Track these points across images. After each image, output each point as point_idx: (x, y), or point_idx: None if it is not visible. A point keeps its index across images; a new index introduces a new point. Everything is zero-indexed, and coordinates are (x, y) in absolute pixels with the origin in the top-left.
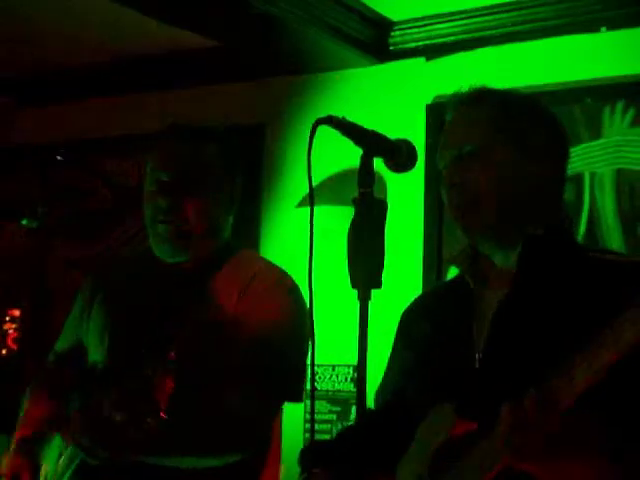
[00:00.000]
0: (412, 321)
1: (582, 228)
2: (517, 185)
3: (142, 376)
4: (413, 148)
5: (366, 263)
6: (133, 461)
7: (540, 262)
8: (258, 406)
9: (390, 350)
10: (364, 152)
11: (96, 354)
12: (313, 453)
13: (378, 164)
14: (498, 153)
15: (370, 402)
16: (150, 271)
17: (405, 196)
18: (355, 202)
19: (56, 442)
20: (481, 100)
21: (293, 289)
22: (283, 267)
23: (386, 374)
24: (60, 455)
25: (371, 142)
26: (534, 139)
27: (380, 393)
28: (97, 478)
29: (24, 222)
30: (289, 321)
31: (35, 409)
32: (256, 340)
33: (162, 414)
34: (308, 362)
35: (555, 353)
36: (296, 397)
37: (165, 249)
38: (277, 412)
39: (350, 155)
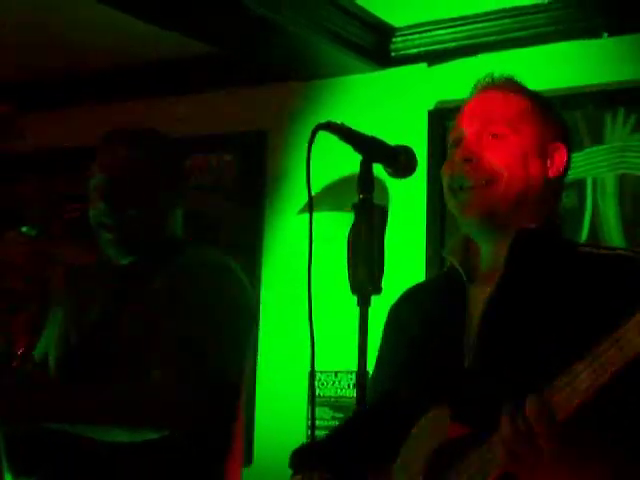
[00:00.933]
0: (401, 317)
1: (584, 233)
2: (528, 177)
3: None
4: (413, 155)
5: (366, 268)
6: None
7: (529, 257)
8: (175, 384)
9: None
10: (363, 158)
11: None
12: (304, 454)
13: (380, 170)
14: (522, 141)
15: None
16: (103, 272)
17: (407, 202)
18: (355, 208)
19: None
20: (515, 88)
21: (226, 270)
22: (285, 273)
23: (375, 371)
24: None
25: (370, 148)
26: (550, 138)
27: (370, 390)
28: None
29: (24, 230)
30: (221, 303)
31: None
32: (188, 321)
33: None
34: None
35: (546, 352)
36: (219, 379)
37: (112, 254)
38: (207, 396)
39: (351, 161)
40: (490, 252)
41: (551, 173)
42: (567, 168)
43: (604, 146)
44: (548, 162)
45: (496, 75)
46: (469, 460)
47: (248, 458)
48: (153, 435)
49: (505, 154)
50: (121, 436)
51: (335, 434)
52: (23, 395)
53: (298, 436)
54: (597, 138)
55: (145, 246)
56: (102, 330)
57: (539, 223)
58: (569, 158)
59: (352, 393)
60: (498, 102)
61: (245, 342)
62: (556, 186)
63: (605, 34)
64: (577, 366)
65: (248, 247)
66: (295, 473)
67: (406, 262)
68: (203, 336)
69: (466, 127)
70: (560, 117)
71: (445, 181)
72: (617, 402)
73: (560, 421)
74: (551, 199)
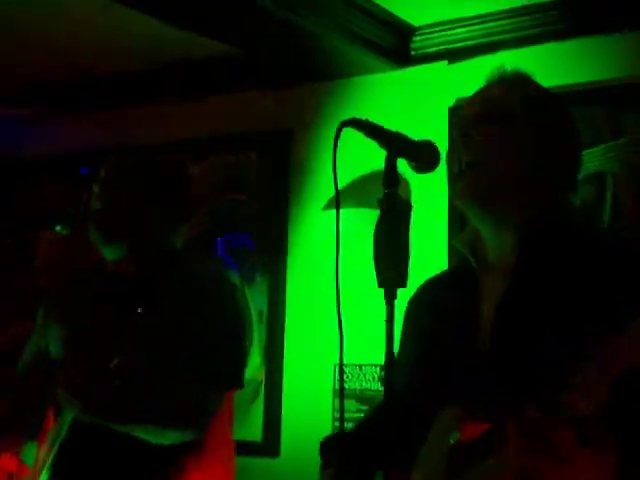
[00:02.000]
0: (416, 311)
1: (605, 224)
2: (528, 167)
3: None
4: (436, 149)
5: (392, 263)
6: (108, 430)
7: (539, 247)
8: (198, 392)
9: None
10: (388, 153)
11: (59, 354)
12: (333, 445)
13: (402, 167)
14: (518, 130)
15: None
16: (98, 278)
17: (430, 197)
18: (380, 203)
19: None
20: (520, 81)
21: (232, 289)
22: (310, 269)
23: (396, 363)
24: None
25: (394, 143)
26: (549, 130)
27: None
28: (80, 447)
29: (57, 228)
30: (224, 320)
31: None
32: (195, 337)
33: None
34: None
35: (561, 347)
36: (233, 384)
37: (97, 242)
38: (218, 399)
39: (375, 158)
40: (494, 241)
41: (548, 164)
42: (570, 160)
43: (623, 140)
44: (546, 153)
45: (505, 69)
46: (485, 464)
47: (276, 450)
48: (180, 437)
49: (498, 138)
50: (171, 438)
51: (361, 427)
52: (110, 396)
53: (324, 428)
54: (616, 132)
55: (126, 239)
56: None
57: (545, 212)
58: (572, 151)
59: (377, 386)
60: (499, 93)
61: (246, 344)
62: (557, 175)
63: (625, 29)
64: (584, 370)
65: (274, 244)
66: (324, 463)
67: (429, 256)
68: (219, 354)
69: (467, 109)
70: (566, 110)
71: (448, 172)
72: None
73: (575, 418)
74: (555, 188)
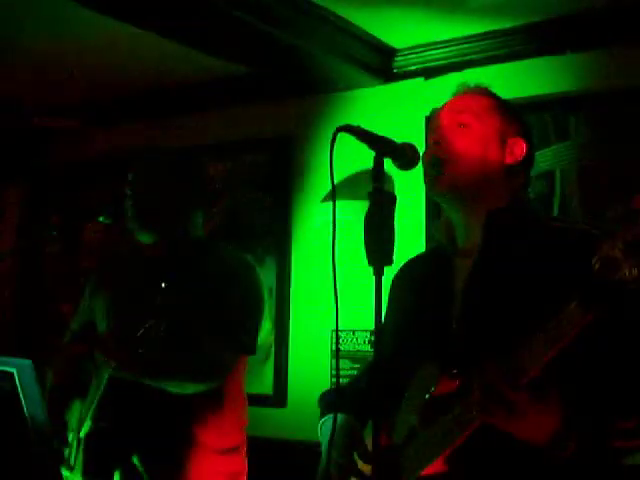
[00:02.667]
0: (399, 285)
1: (555, 214)
2: (487, 161)
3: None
4: (416, 150)
5: (380, 244)
6: (139, 384)
7: (500, 233)
8: (217, 353)
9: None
10: (376, 154)
11: (102, 324)
12: (330, 397)
13: (387, 165)
14: (484, 130)
15: None
16: (137, 259)
17: (410, 191)
18: (370, 195)
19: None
20: (483, 91)
21: (250, 268)
22: (311, 252)
23: (382, 329)
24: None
25: (381, 145)
26: (510, 131)
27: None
28: (116, 400)
29: (101, 219)
30: (242, 296)
31: (59, 379)
32: (219, 308)
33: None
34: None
35: (518, 316)
36: (248, 350)
37: (134, 228)
38: (234, 361)
39: (363, 158)
40: (463, 229)
41: (509, 160)
42: (527, 159)
43: (569, 142)
44: (507, 151)
45: (467, 83)
46: (454, 411)
47: (284, 402)
48: (202, 388)
49: (468, 140)
50: (189, 389)
51: (354, 382)
52: (141, 356)
53: (324, 383)
54: (563, 136)
55: (164, 230)
56: (147, 307)
57: (505, 203)
58: (529, 150)
59: (367, 348)
60: (467, 99)
61: (260, 318)
62: (516, 172)
63: (568, 50)
64: (534, 338)
65: (280, 232)
66: (323, 413)
67: (410, 239)
68: (240, 320)
69: (440, 119)
70: (521, 117)
71: (423, 167)
72: (573, 365)
73: (523, 382)
74: (514, 183)
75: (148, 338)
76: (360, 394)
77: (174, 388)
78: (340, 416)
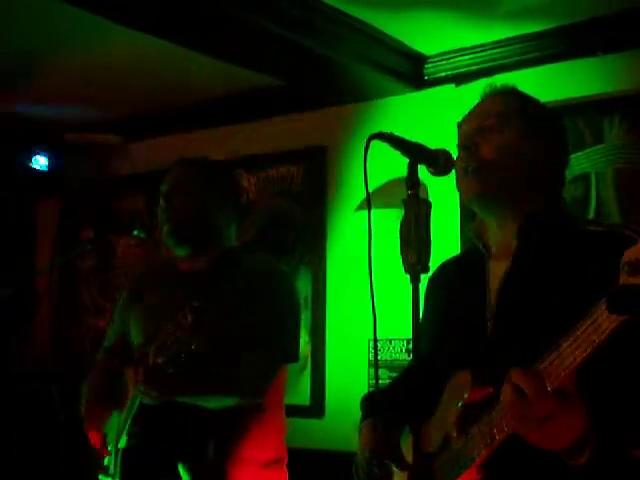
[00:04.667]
0: (434, 289)
1: (591, 217)
2: (519, 164)
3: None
4: (449, 156)
5: (415, 252)
6: (174, 401)
7: (536, 236)
8: (262, 365)
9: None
10: (410, 160)
11: (137, 338)
12: (369, 401)
13: (421, 172)
14: (512, 133)
15: None
16: (172, 273)
17: (444, 197)
18: (404, 202)
19: (113, 417)
20: (509, 92)
21: (286, 277)
22: (346, 261)
23: (419, 335)
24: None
25: (415, 152)
26: (538, 133)
27: (416, 351)
28: (152, 415)
29: (135, 232)
30: (283, 306)
31: (95, 391)
32: (258, 319)
33: (192, 347)
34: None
35: (551, 321)
36: (290, 359)
37: (170, 244)
38: (277, 371)
39: (397, 167)
40: (497, 232)
41: (539, 164)
42: (559, 159)
43: (603, 145)
44: (536, 154)
45: (495, 85)
46: (485, 421)
47: (321, 412)
48: (244, 401)
49: (493, 144)
50: (228, 403)
51: (393, 386)
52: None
53: (361, 394)
54: (597, 139)
55: (199, 245)
56: (183, 322)
57: (539, 205)
58: (560, 150)
59: (404, 356)
60: (491, 102)
61: (300, 327)
62: (548, 173)
63: (599, 52)
64: (563, 343)
65: (315, 241)
66: (362, 417)
67: (445, 246)
68: (278, 328)
69: (465, 124)
70: (550, 115)
71: (456, 174)
72: (598, 371)
73: (552, 389)
74: (547, 186)
75: (179, 357)
76: (398, 399)
77: (214, 404)
78: (378, 421)
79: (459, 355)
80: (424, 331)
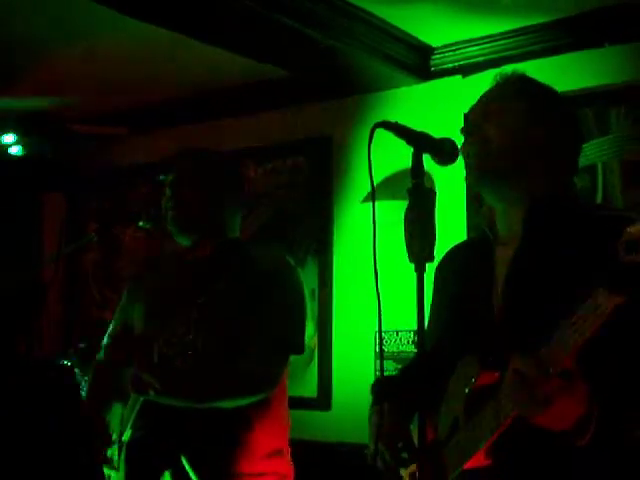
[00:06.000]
0: (442, 274)
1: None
2: (521, 146)
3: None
4: (455, 144)
5: (420, 241)
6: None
7: (543, 220)
8: (268, 359)
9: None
10: (415, 149)
11: (141, 330)
12: (380, 387)
13: (426, 161)
14: (515, 116)
15: None
16: (176, 263)
17: (450, 186)
18: (409, 191)
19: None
20: (514, 79)
21: (292, 269)
22: (353, 252)
23: (429, 320)
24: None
25: (420, 141)
26: (543, 119)
27: (427, 337)
28: (157, 409)
29: (140, 224)
30: (288, 297)
31: (98, 380)
32: (263, 312)
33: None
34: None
35: (557, 306)
36: (297, 350)
37: (173, 231)
38: (285, 364)
39: (402, 158)
40: (504, 217)
41: (544, 148)
42: (568, 148)
43: (610, 136)
44: (540, 138)
45: (504, 71)
46: (491, 404)
47: (328, 404)
48: (256, 398)
49: (496, 130)
50: (243, 402)
51: (406, 371)
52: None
53: (368, 385)
54: (604, 130)
55: (201, 232)
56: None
57: (547, 190)
58: (568, 136)
59: (411, 348)
60: (496, 88)
61: (306, 319)
62: (556, 160)
63: (606, 43)
64: (563, 325)
65: (320, 233)
66: (373, 402)
67: (450, 234)
68: (284, 320)
69: (471, 111)
70: (557, 100)
71: (463, 158)
72: (600, 351)
73: (554, 371)
74: (555, 172)
75: (185, 353)
76: (408, 384)
77: (227, 404)
78: (388, 406)
79: (467, 340)
80: (433, 316)
